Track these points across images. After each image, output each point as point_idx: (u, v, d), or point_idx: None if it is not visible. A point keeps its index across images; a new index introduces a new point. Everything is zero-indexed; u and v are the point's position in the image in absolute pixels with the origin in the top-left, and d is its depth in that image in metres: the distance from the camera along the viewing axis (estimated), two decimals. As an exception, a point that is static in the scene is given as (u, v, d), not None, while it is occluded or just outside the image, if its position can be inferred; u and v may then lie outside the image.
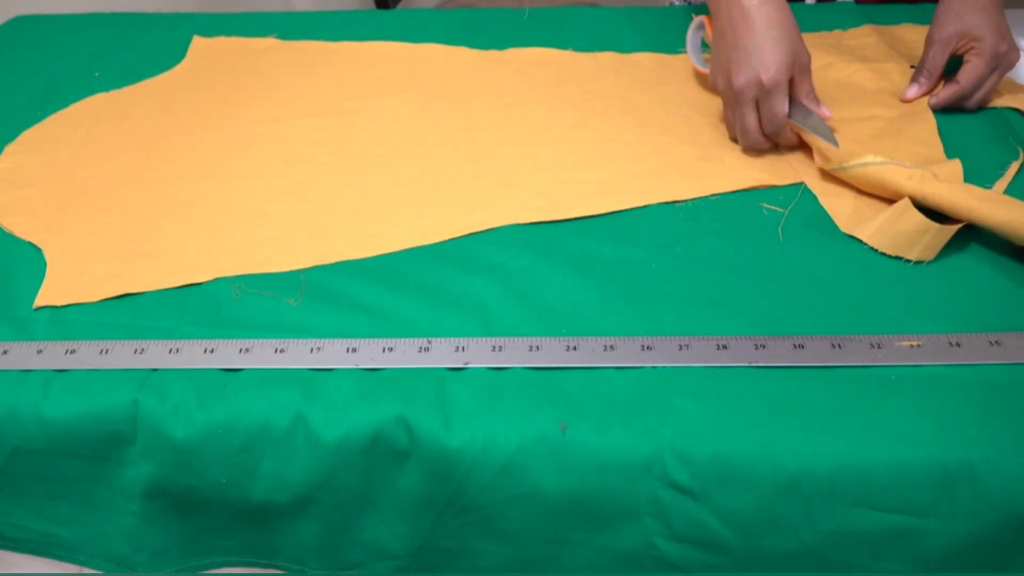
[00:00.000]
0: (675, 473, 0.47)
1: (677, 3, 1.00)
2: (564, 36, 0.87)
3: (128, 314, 0.56)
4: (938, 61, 0.72)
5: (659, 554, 0.50)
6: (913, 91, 0.73)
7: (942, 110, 0.72)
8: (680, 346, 0.51)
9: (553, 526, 0.50)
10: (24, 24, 0.96)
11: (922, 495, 0.45)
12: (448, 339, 0.53)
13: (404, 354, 0.52)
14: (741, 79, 0.65)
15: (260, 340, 0.53)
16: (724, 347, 0.51)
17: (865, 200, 0.63)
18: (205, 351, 0.53)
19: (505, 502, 0.49)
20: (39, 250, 0.62)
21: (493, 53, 0.85)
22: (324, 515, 0.52)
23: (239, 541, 0.56)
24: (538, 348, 0.52)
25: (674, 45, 0.84)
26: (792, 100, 0.66)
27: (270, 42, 0.89)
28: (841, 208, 0.62)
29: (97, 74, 0.85)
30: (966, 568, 0.47)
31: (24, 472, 0.53)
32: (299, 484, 0.51)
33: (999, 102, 0.72)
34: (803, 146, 0.68)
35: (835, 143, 0.63)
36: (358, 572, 0.55)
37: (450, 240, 0.61)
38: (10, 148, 0.74)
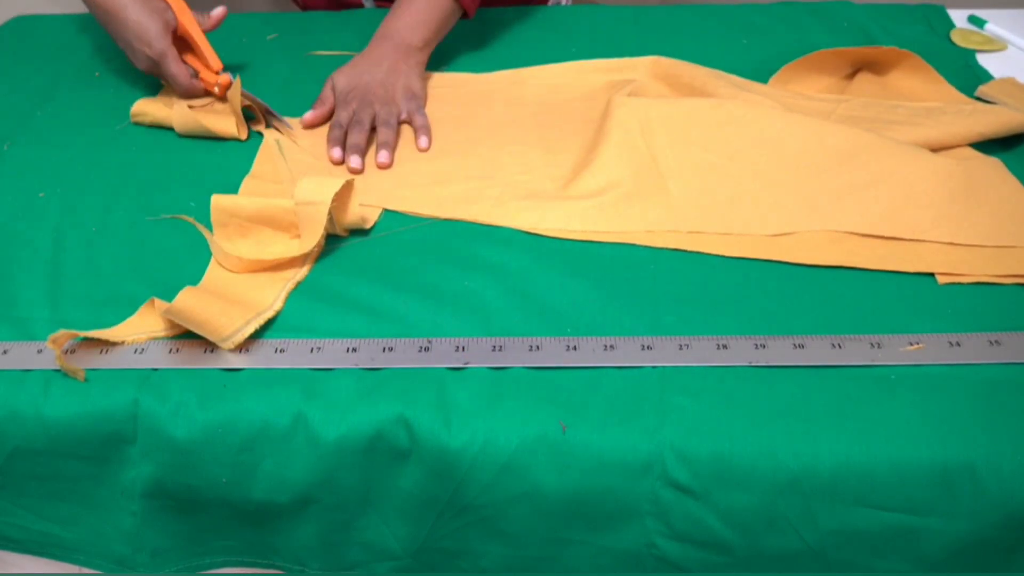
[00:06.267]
0: (675, 472, 0.47)
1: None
2: (565, 36, 0.87)
3: (128, 314, 0.56)
4: None
5: (659, 553, 0.50)
6: None
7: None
8: (680, 346, 0.51)
9: (553, 526, 0.50)
10: (24, 24, 0.96)
11: (922, 494, 0.45)
12: (448, 339, 0.53)
13: (404, 354, 0.52)
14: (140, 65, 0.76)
15: (260, 340, 0.53)
16: (724, 347, 0.51)
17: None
18: (205, 351, 0.53)
19: (505, 502, 0.49)
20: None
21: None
22: (324, 515, 0.52)
23: (239, 541, 0.56)
24: (538, 348, 0.52)
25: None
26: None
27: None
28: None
29: (97, 74, 0.85)
30: (967, 567, 0.47)
31: (24, 472, 0.53)
32: (299, 484, 0.51)
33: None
34: None
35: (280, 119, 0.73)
36: (358, 572, 0.55)
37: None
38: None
